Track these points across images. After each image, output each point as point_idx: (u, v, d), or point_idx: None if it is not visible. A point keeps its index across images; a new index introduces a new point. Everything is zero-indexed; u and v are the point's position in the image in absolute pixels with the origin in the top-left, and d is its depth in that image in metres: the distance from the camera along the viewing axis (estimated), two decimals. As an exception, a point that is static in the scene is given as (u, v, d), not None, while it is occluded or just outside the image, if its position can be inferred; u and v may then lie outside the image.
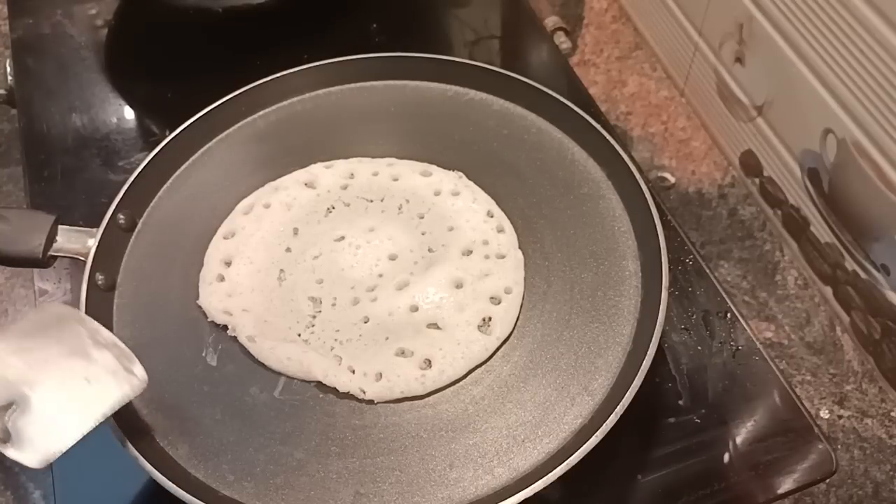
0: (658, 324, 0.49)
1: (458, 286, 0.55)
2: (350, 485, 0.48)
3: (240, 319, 0.54)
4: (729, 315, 0.60)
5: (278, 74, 0.66)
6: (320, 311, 0.55)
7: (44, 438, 0.41)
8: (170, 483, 0.45)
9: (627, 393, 0.46)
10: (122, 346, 0.47)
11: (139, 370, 0.46)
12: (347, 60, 0.67)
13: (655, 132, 0.88)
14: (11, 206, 0.85)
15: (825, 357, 0.73)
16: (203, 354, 0.53)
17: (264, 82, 0.65)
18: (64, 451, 0.42)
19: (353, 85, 0.67)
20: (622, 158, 0.58)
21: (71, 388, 0.44)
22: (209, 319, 0.54)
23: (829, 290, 0.75)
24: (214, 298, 0.55)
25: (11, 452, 0.41)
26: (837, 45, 0.65)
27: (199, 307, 0.55)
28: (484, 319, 0.53)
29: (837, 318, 0.75)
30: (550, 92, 0.63)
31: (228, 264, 0.57)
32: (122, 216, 0.58)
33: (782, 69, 0.72)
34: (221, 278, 0.56)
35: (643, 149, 0.87)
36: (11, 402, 0.42)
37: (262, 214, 0.59)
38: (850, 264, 0.71)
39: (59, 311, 0.48)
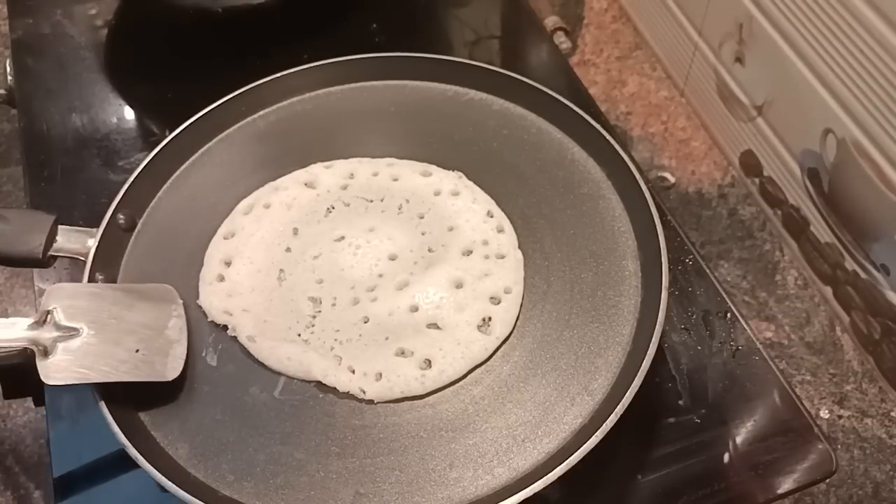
0: (658, 324, 0.49)
1: (458, 286, 0.55)
2: (350, 485, 0.48)
3: (240, 319, 0.54)
4: (729, 315, 0.60)
5: (278, 74, 0.66)
6: (320, 311, 0.54)
7: (70, 369, 0.48)
8: (170, 483, 0.45)
9: (627, 393, 0.46)
10: (185, 345, 0.53)
11: (176, 369, 0.51)
12: (347, 60, 0.67)
13: (655, 132, 0.88)
14: (11, 206, 0.85)
15: (825, 357, 0.73)
16: (203, 354, 0.53)
17: (264, 82, 0.65)
18: (70, 384, 0.48)
19: (353, 85, 0.67)
20: (622, 158, 0.58)
21: (120, 346, 0.51)
22: (209, 319, 0.54)
23: (829, 290, 0.75)
24: (215, 298, 0.55)
25: (40, 364, 0.48)
26: (837, 45, 0.65)
27: (200, 307, 0.55)
28: (484, 319, 0.53)
29: (837, 318, 0.75)
30: (550, 92, 0.63)
31: (228, 264, 0.57)
32: (122, 216, 0.58)
33: (782, 69, 0.72)
34: (221, 278, 0.56)
35: (643, 149, 0.87)
36: (77, 329, 0.50)
37: (262, 214, 0.59)
38: (850, 264, 0.71)
39: (167, 294, 0.55)
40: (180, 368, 0.51)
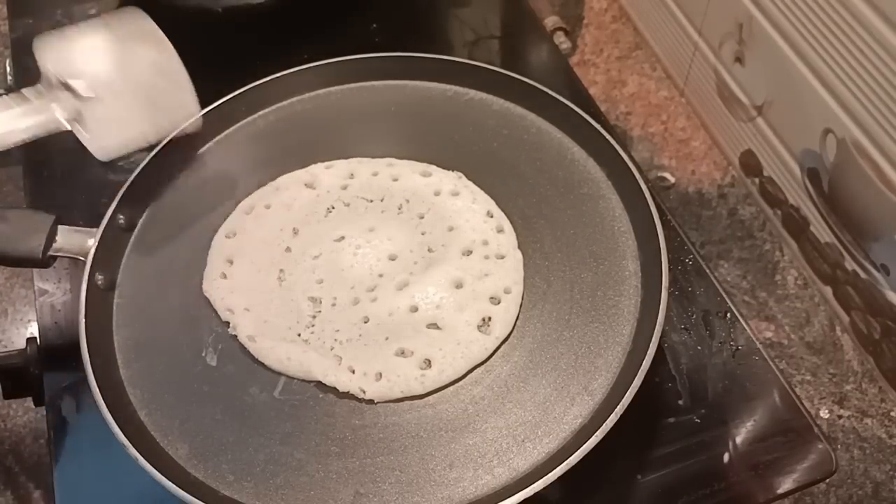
0: (658, 324, 0.49)
1: (458, 286, 0.55)
2: (350, 485, 0.48)
3: (241, 319, 0.54)
4: (729, 315, 0.60)
5: (278, 74, 0.66)
6: (320, 311, 0.55)
7: (114, 138, 0.51)
8: (170, 483, 0.45)
9: (627, 393, 0.46)
10: (185, 73, 0.54)
11: (196, 102, 0.54)
12: (347, 60, 0.67)
13: (655, 132, 0.88)
14: (11, 206, 0.85)
15: (825, 357, 0.73)
16: (203, 354, 0.53)
17: (264, 82, 0.65)
18: (121, 154, 0.51)
19: (353, 85, 0.67)
20: (622, 158, 0.58)
21: (139, 104, 0.52)
22: (213, 312, 0.54)
23: (828, 290, 0.75)
24: (217, 294, 0.55)
25: (85, 141, 0.51)
26: (837, 45, 0.65)
27: (200, 307, 0.55)
28: (484, 319, 0.53)
29: (837, 318, 0.75)
30: (550, 92, 0.63)
31: (231, 262, 0.57)
32: (121, 216, 0.58)
33: (782, 69, 0.72)
34: (224, 276, 0.56)
35: (643, 149, 0.87)
36: (92, 97, 0.51)
37: (263, 214, 0.59)
38: (849, 264, 0.71)
39: (146, 26, 0.55)
40: (197, 100, 0.54)
